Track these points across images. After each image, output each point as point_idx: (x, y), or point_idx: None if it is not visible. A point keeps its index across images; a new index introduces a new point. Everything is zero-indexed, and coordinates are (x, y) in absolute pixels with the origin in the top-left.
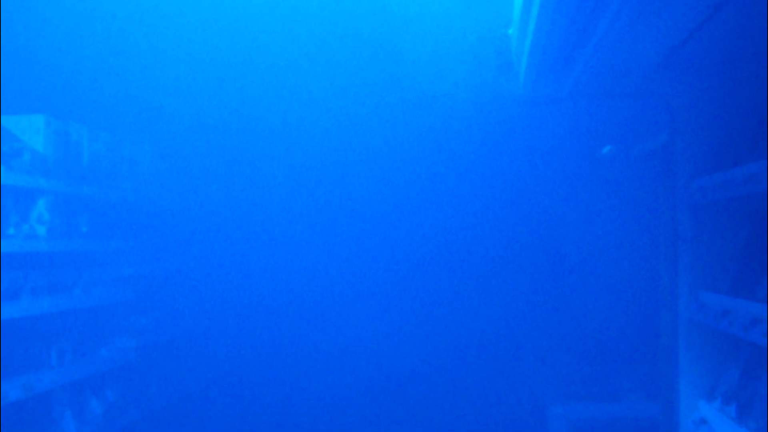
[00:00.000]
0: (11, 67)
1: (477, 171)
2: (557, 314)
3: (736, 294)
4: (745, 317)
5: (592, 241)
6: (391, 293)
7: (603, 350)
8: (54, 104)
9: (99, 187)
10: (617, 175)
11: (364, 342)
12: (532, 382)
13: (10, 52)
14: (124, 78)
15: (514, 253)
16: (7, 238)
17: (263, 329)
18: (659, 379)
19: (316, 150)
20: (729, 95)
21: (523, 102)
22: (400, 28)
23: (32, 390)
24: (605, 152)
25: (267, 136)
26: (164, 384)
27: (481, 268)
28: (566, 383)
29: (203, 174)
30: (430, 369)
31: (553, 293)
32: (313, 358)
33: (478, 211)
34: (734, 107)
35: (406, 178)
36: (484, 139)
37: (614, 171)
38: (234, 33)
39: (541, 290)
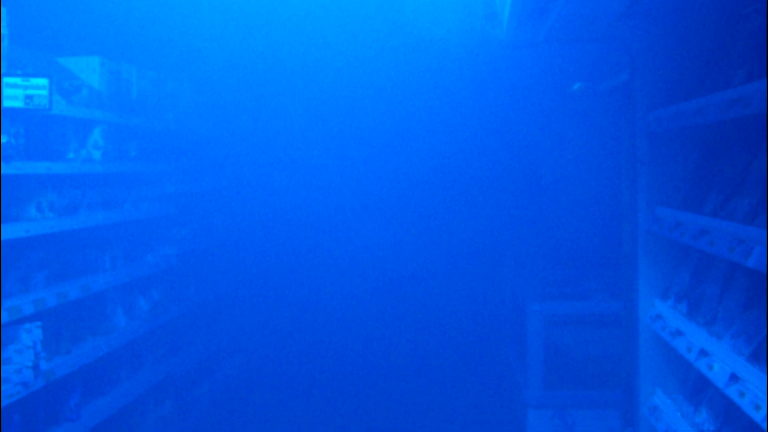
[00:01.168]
0: (71, 15)
1: (467, 104)
2: (535, 227)
3: (686, 209)
4: (694, 228)
5: (564, 164)
6: (394, 208)
7: (574, 257)
8: (108, 47)
9: (146, 118)
10: (586, 108)
11: (371, 250)
12: (513, 284)
13: (71, 2)
14: (167, 25)
15: (499, 174)
16: (67, 162)
17: (285, 239)
18: (622, 281)
19: (330, 86)
20: (680, 40)
21: (506, 46)
22: None
23: (89, 290)
24: (575, 88)
25: (288, 75)
26: (201, 285)
27: (470, 187)
28: (542, 285)
29: (234, 106)
30: (427, 273)
31: (532, 209)
32: (328, 263)
33: (468, 139)
34: (685, 50)
35: (407, 111)
36: (473, 77)
37: (583, 104)
38: None
39: (521, 206)
